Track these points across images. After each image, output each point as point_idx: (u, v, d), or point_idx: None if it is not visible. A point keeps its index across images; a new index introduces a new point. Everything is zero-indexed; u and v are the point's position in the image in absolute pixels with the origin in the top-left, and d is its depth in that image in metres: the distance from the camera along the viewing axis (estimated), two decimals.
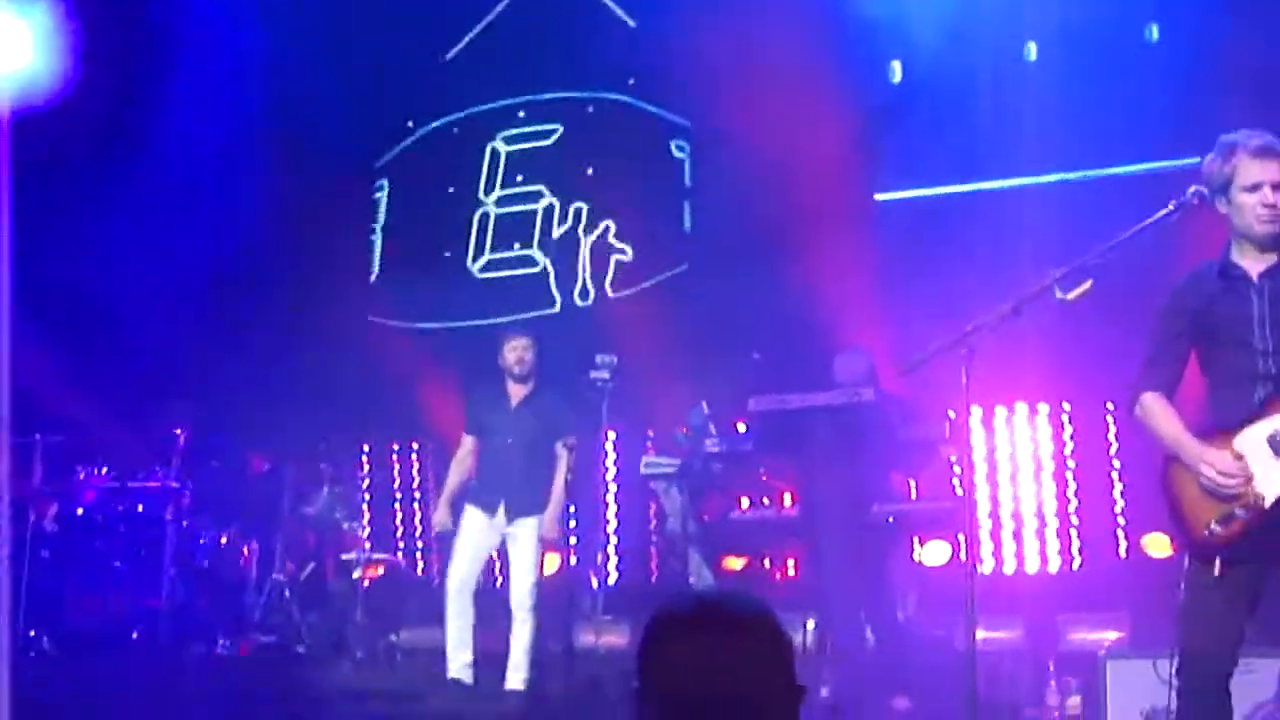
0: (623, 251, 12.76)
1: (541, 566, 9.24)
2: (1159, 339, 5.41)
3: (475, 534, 9.28)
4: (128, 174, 12.00)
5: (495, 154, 13.50)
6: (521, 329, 9.72)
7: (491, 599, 9.60)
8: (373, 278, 13.73)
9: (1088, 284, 5.17)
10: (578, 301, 12.85)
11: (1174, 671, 5.25)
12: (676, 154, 12.77)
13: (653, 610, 2.69)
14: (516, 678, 9.03)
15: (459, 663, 9.16)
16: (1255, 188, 5.16)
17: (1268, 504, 5.04)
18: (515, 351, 9.36)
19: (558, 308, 12.83)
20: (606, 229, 12.84)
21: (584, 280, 12.88)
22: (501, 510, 9.20)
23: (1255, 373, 5.16)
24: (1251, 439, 5.09)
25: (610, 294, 12.73)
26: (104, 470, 11.09)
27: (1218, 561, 5.08)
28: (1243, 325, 5.19)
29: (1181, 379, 5.38)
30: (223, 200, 12.71)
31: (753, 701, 2.56)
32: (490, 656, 9.21)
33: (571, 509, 11.01)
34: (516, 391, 9.40)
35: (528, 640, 9.05)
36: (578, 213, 13.03)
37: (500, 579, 12.13)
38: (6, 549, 9.58)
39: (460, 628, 9.20)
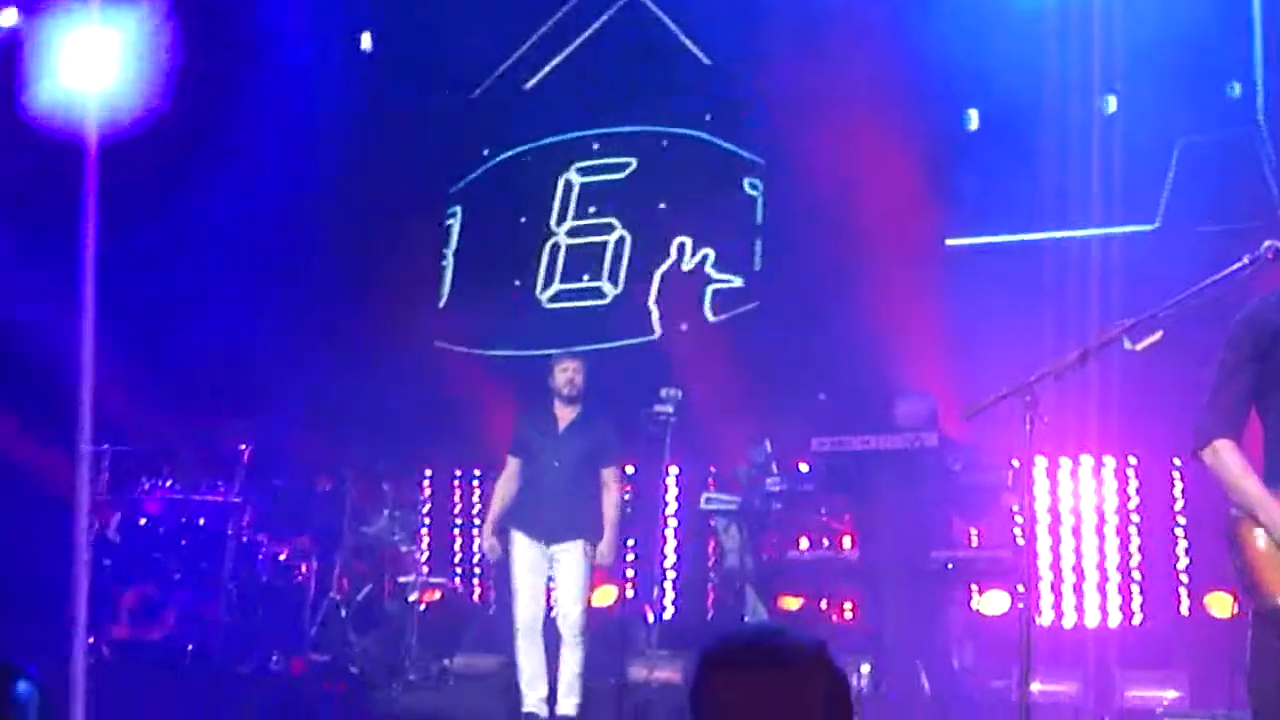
0: (726, 281, 12.75)
1: (590, 592, 9.23)
2: (1226, 374, 5.10)
3: (531, 567, 9.30)
4: (205, 193, 12.14)
5: (569, 185, 13.53)
6: (572, 352, 9.70)
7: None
8: (442, 303, 13.78)
9: (1158, 335, 5.07)
10: (676, 327, 12.83)
11: None
12: (750, 191, 12.75)
13: (707, 643, 2.66)
14: (569, 703, 9.06)
15: (534, 698, 9.19)
16: None
17: None
18: (565, 373, 9.39)
19: (655, 334, 12.84)
20: (705, 258, 12.83)
21: (670, 312, 12.88)
22: (546, 535, 9.23)
23: None
24: None
25: (711, 318, 12.68)
26: (168, 482, 11.20)
27: None
28: None
29: (1248, 419, 5.10)
30: (297, 220, 12.83)
31: None
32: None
33: (630, 542, 11.03)
34: (565, 415, 9.42)
35: (578, 666, 9.07)
36: (680, 246, 12.97)
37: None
38: (86, 554, 9.75)
39: (533, 663, 9.23)
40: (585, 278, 13.28)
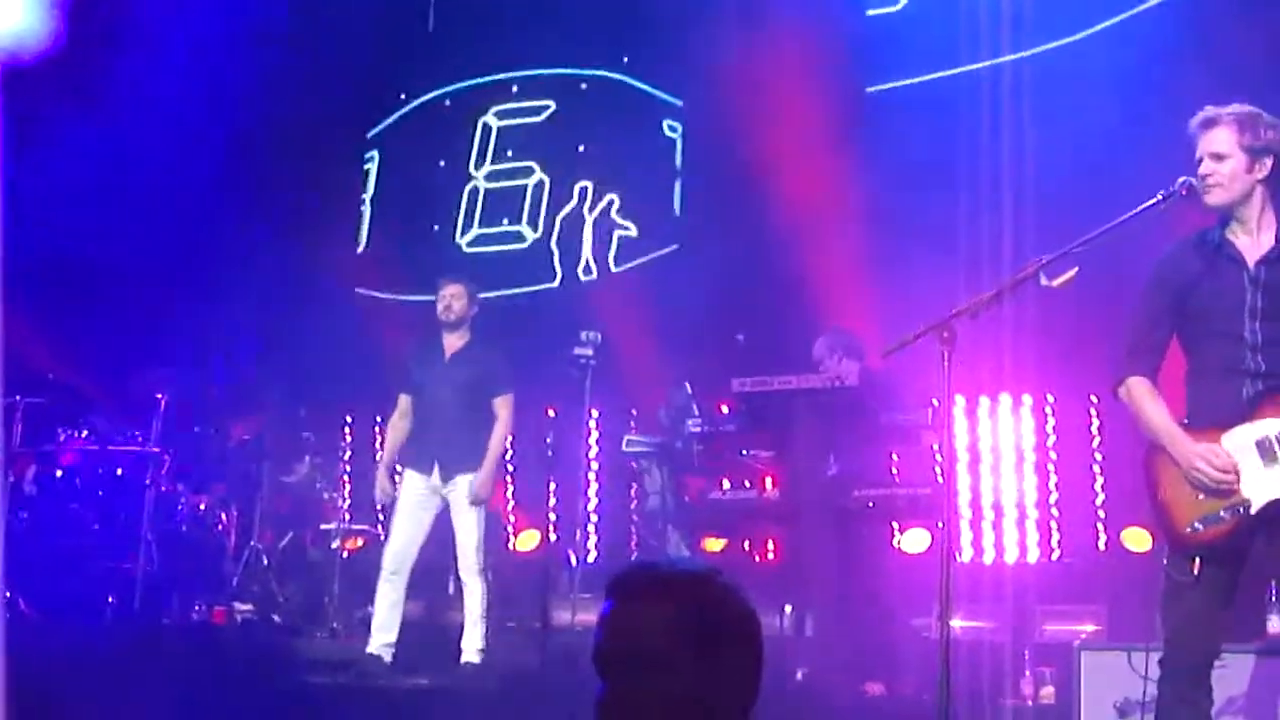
0: (626, 228, 12.73)
1: (482, 527, 8.99)
2: (1142, 315, 5.30)
3: (413, 504, 9.07)
4: (112, 135, 11.92)
5: (487, 128, 13.45)
6: (455, 276, 9.45)
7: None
8: (360, 249, 13.68)
9: (1073, 272, 5.10)
10: (580, 277, 12.84)
11: (1159, 662, 5.23)
12: (669, 134, 12.72)
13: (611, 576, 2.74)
14: (471, 648, 8.88)
15: (381, 641, 8.99)
16: (1199, 161, 5.14)
17: (1255, 509, 4.98)
18: (443, 300, 9.18)
19: (556, 282, 12.81)
20: (610, 204, 12.79)
21: (586, 257, 12.85)
22: (436, 470, 9.01)
23: (1243, 367, 5.07)
24: (1238, 440, 5.01)
25: (613, 269, 12.71)
26: (84, 433, 11.05)
27: (1197, 561, 5.03)
28: (1233, 315, 5.09)
29: (1165, 358, 5.27)
30: (210, 165, 12.65)
31: (661, 663, 2.58)
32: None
33: (552, 486, 10.99)
34: (451, 343, 9.20)
35: (479, 607, 8.87)
36: (581, 190, 12.98)
37: None
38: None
39: (393, 604, 9.01)
40: (505, 222, 13.22)
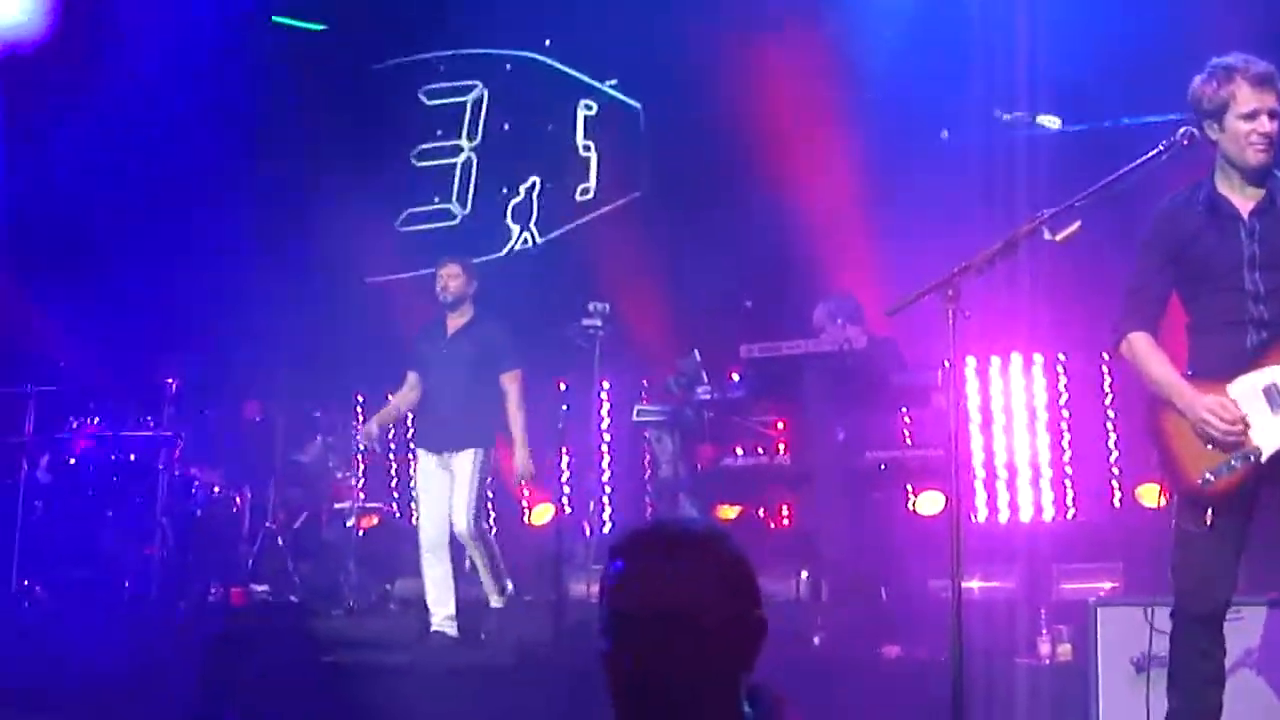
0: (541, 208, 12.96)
1: (476, 499, 9.08)
2: (1142, 272, 5.31)
3: (432, 484, 9.22)
4: (116, 121, 11.91)
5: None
6: (451, 256, 9.57)
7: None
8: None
9: (1076, 225, 5.06)
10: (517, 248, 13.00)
11: (1168, 616, 5.22)
12: (585, 112, 12.80)
13: (614, 538, 2.68)
14: (495, 596, 9.09)
15: (440, 616, 9.14)
16: (1253, 115, 5.05)
17: (1265, 458, 4.97)
18: (441, 279, 9.30)
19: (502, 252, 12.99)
20: (534, 182, 12.98)
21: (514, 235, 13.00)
22: (440, 443, 9.17)
23: (1246, 317, 5.07)
24: (1245, 388, 5.01)
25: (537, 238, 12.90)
26: (96, 420, 11.05)
27: (1209, 512, 5.02)
28: (1232, 267, 5.09)
29: (1165, 314, 5.28)
30: (215, 148, 12.62)
31: (688, 619, 2.51)
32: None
33: (565, 459, 11.01)
34: (453, 322, 9.32)
35: (485, 560, 9.06)
36: (501, 168, 13.16)
37: (495, 529, 12.14)
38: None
39: (438, 581, 9.16)
40: (436, 200, 13.25)
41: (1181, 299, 5.27)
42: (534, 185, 13.02)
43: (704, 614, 2.52)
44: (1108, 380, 10.53)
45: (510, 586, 9.15)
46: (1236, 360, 5.06)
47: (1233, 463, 4.99)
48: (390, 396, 9.85)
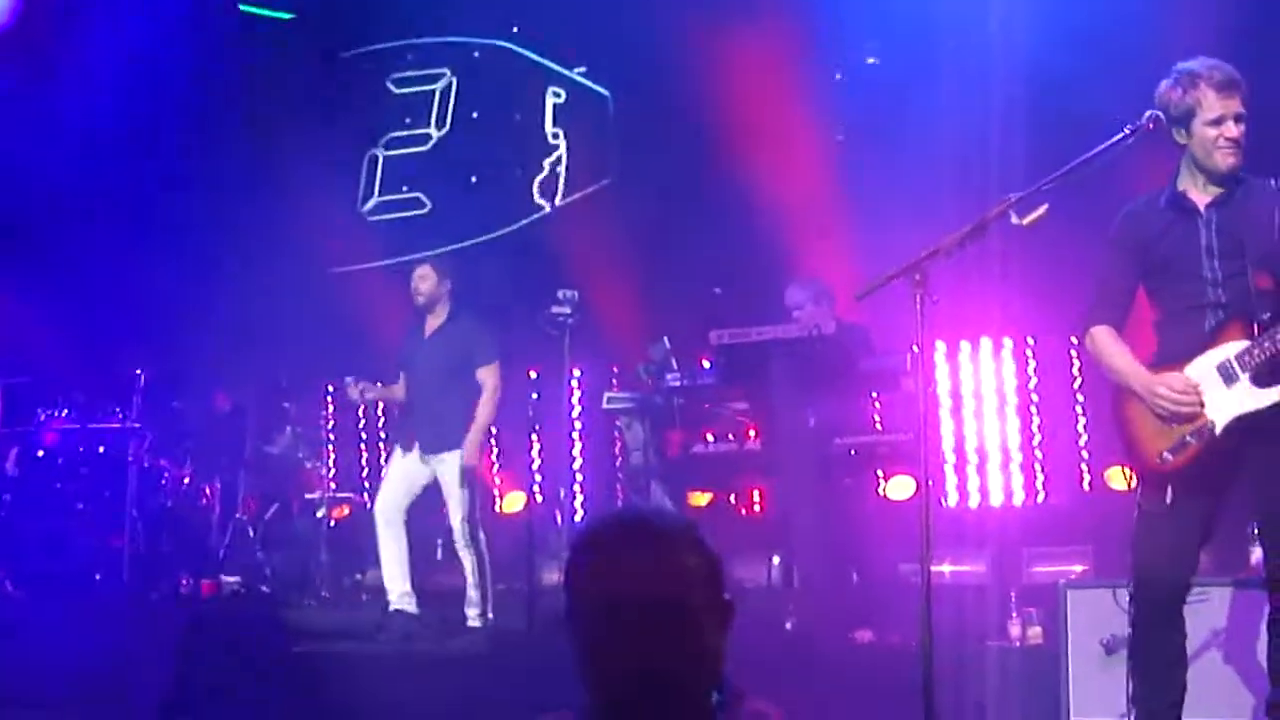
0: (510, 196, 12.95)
1: (471, 502, 9.03)
2: (1107, 271, 5.45)
3: (400, 466, 9.22)
4: (80, 109, 11.84)
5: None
6: (422, 258, 9.61)
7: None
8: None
9: (1043, 209, 5.11)
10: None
11: (1128, 598, 5.28)
12: (554, 100, 12.83)
13: (578, 530, 2.67)
14: (473, 614, 9.01)
15: (397, 593, 9.10)
16: (1219, 121, 5.15)
17: (1219, 431, 5.08)
18: (414, 282, 9.30)
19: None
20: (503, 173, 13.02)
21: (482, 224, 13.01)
22: (417, 448, 9.13)
23: (1205, 302, 5.19)
24: (1202, 367, 5.13)
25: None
26: (64, 412, 11.01)
27: (1169, 490, 5.12)
28: (1192, 257, 5.21)
29: (1130, 311, 5.42)
30: (182, 137, 12.57)
31: (670, 611, 2.51)
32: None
33: (535, 447, 10.99)
34: (431, 323, 9.32)
35: (472, 576, 8.97)
36: (469, 157, 13.15)
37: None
38: None
39: (392, 558, 9.13)
40: (404, 189, 13.27)
41: (1148, 292, 5.40)
42: (503, 173, 12.97)
43: (690, 599, 2.53)
44: (1076, 364, 10.57)
45: (491, 615, 9.04)
46: (1197, 342, 5.18)
47: (1188, 438, 5.11)
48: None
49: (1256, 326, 5.09)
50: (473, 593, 8.99)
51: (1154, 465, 5.17)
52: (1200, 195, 5.26)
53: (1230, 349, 5.10)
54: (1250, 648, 5.96)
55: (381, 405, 12.37)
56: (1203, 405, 5.09)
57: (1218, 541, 5.40)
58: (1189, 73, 5.21)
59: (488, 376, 9.11)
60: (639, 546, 2.56)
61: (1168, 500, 5.11)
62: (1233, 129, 5.15)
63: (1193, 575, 5.25)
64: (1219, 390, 5.09)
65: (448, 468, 9.01)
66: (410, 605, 9.08)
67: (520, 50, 13.06)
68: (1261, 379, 5.06)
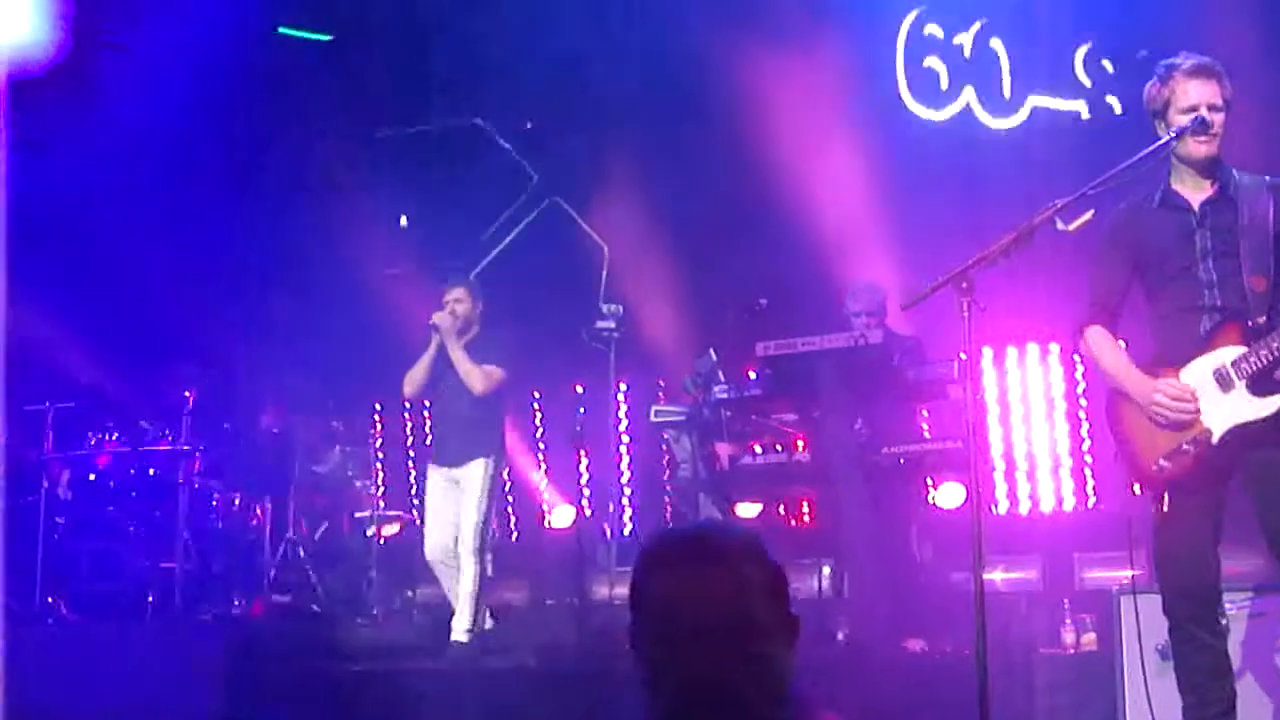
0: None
1: (488, 507, 9.04)
2: (1101, 268, 5.45)
3: (437, 496, 9.17)
4: (127, 135, 11.91)
5: None
6: (457, 280, 9.43)
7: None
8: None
9: (1089, 215, 5.12)
10: None
11: (1163, 611, 5.24)
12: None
13: (646, 542, 2.67)
14: (460, 628, 8.89)
15: (460, 627, 9.02)
16: (1192, 109, 5.14)
17: (1215, 440, 5.05)
18: (448, 305, 9.20)
19: None
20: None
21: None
22: (448, 459, 9.14)
23: (1200, 305, 5.17)
24: (1196, 373, 5.11)
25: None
26: (115, 435, 11.08)
27: (1165, 497, 5.12)
28: (1186, 258, 5.19)
29: (1122, 310, 5.42)
30: (229, 158, 12.64)
31: (743, 629, 2.51)
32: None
33: (584, 460, 10.97)
34: (461, 340, 9.21)
35: (471, 585, 8.89)
36: None
37: (516, 533, 12.16)
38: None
39: (449, 593, 9.14)
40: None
41: (1144, 294, 5.39)
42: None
43: (756, 614, 2.53)
44: None
45: (473, 628, 8.94)
46: (1191, 346, 5.16)
47: (1184, 446, 5.09)
48: (414, 415, 9.78)
49: (1252, 330, 5.07)
50: (466, 605, 8.89)
51: (1150, 473, 5.17)
52: (1192, 193, 5.25)
53: (1226, 354, 5.08)
54: (1269, 652, 5.93)
55: (430, 423, 12.37)
56: (1199, 412, 5.07)
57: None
58: (1166, 65, 5.26)
59: (493, 371, 9.05)
60: (707, 563, 2.56)
61: (1165, 508, 5.11)
62: (1207, 115, 5.13)
63: (1216, 578, 5.21)
64: (1215, 397, 5.07)
65: (469, 477, 9.00)
66: (465, 638, 8.96)
67: None
68: (1258, 387, 5.03)
